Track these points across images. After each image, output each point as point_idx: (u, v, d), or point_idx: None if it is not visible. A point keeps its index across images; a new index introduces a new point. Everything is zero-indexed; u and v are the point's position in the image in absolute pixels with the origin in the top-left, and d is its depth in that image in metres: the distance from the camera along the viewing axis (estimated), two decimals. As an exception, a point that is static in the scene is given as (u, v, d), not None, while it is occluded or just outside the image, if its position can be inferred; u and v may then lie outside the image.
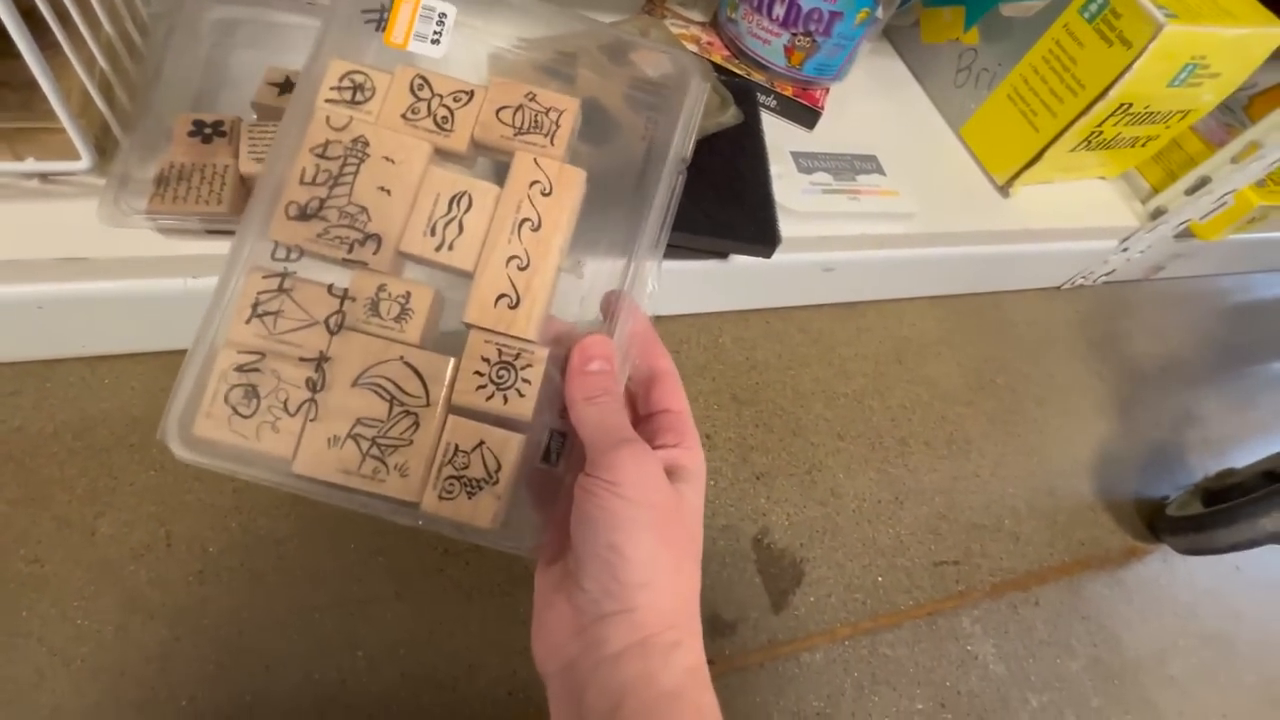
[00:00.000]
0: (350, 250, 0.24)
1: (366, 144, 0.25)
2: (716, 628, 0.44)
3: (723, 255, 0.47)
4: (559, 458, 0.25)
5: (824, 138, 0.55)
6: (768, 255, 0.45)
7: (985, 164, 0.60)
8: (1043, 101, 0.54)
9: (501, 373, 0.24)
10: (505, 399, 0.24)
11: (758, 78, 0.54)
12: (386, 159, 0.25)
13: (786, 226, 0.46)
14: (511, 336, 0.24)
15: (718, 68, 0.54)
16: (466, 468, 0.24)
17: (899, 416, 0.57)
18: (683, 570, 0.21)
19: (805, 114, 0.55)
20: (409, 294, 0.24)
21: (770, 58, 0.53)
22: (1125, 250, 0.67)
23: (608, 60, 0.41)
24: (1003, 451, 0.59)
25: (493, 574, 0.42)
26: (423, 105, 0.26)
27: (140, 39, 0.39)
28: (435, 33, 0.27)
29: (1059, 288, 0.72)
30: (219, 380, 0.23)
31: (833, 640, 0.46)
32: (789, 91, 0.54)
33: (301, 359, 0.24)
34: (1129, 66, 0.49)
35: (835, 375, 0.57)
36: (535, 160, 0.25)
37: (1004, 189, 0.59)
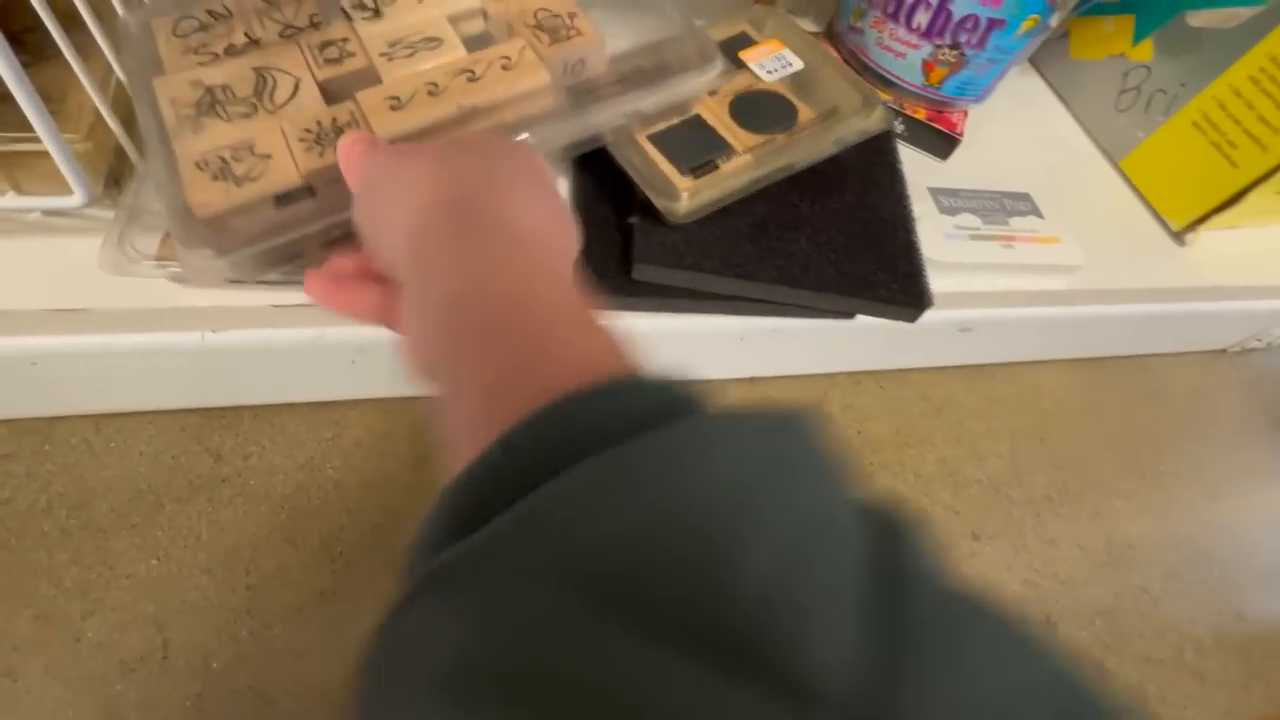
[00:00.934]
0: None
1: None
2: None
3: (849, 315, 0.37)
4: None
5: (964, 171, 0.45)
6: (913, 319, 0.35)
7: (1156, 205, 0.49)
8: (1247, 131, 0.44)
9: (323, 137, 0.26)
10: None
11: (884, 97, 0.45)
12: None
13: (931, 280, 0.37)
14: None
15: (835, 86, 0.45)
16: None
17: (1044, 510, 0.47)
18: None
19: (941, 141, 0.45)
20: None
21: (903, 74, 0.44)
22: (1316, 309, 0.55)
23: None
24: (1174, 561, 0.47)
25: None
26: None
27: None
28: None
29: (1224, 350, 0.60)
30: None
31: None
32: (921, 115, 0.45)
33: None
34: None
35: (965, 456, 0.47)
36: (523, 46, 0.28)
37: (1179, 235, 0.49)
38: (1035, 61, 0.57)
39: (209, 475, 0.36)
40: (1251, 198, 0.45)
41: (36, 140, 0.27)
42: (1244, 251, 0.50)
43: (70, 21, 0.28)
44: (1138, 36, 0.49)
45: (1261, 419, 0.57)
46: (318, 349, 0.34)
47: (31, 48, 0.30)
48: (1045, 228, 0.43)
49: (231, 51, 0.29)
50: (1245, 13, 0.43)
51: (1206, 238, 0.49)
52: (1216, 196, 0.46)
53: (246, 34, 0.30)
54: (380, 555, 0.35)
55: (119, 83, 0.30)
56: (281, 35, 0.30)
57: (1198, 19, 0.46)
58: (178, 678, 0.31)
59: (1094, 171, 0.51)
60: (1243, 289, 0.51)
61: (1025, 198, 0.44)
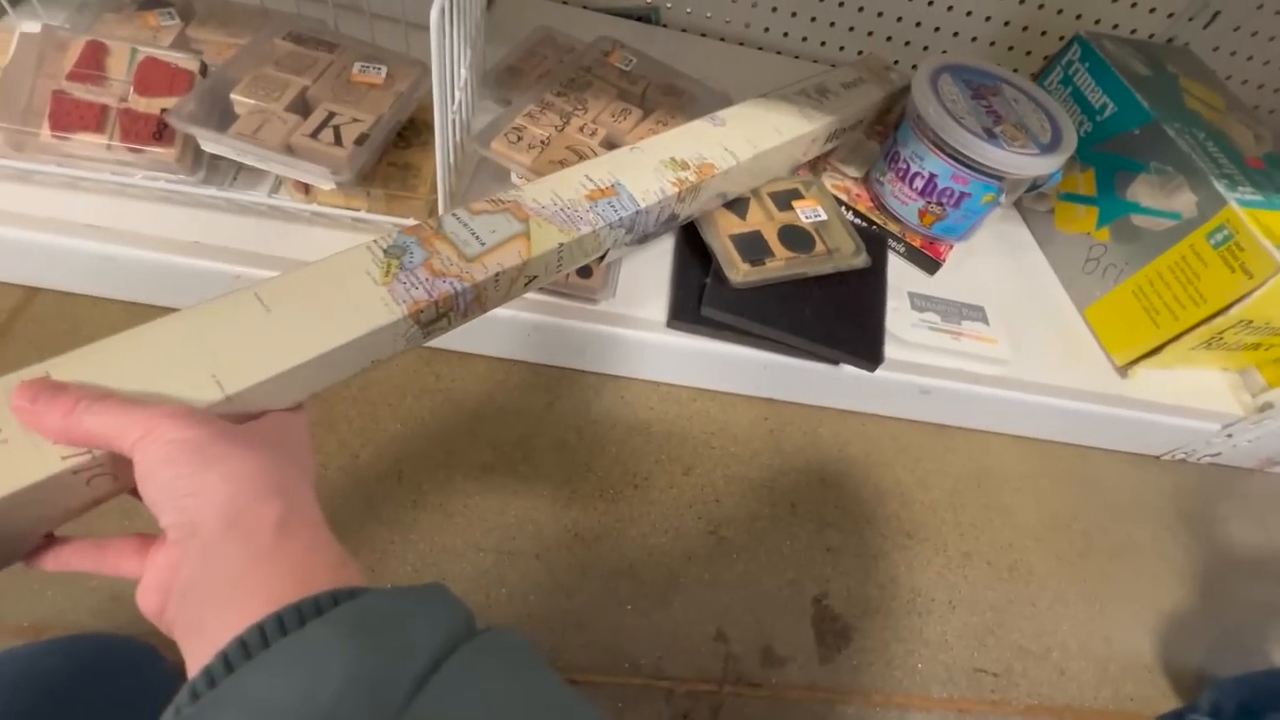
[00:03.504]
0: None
1: None
2: (769, 659, 0.53)
3: (834, 362, 0.58)
4: None
5: (941, 285, 0.66)
6: (871, 369, 0.56)
7: (1106, 345, 0.67)
8: (1166, 304, 0.61)
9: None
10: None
11: (892, 227, 0.67)
12: None
13: (891, 349, 0.58)
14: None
15: (860, 214, 0.67)
16: None
17: (967, 533, 0.64)
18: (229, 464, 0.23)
19: (928, 262, 0.66)
20: None
21: (905, 216, 0.65)
22: (1230, 436, 0.70)
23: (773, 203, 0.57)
24: (1064, 589, 0.63)
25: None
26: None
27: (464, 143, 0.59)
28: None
29: (1157, 457, 0.76)
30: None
31: (867, 703, 0.54)
32: (917, 243, 0.66)
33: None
34: (1250, 293, 0.55)
35: (915, 483, 0.66)
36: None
37: (1123, 370, 0.66)
38: (1029, 222, 0.77)
39: (431, 387, 0.60)
40: (1169, 350, 0.62)
41: (405, 190, 0.53)
42: (1177, 386, 0.67)
43: (425, 126, 0.54)
44: (1099, 224, 0.68)
45: (1173, 513, 0.72)
46: (514, 323, 0.58)
47: (406, 137, 0.57)
48: (988, 332, 0.62)
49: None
50: (1168, 223, 0.62)
51: (1145, 374, 0.66)
52: (1146, 346, 0.63)
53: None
54: (509, 438, 0.58)
55: (451, 163, 0.56)
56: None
57: (1139, 220, 0.65)
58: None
59: (1062, 311, 0.70)
60: (1159, 405, 0.67)
61: (979, 309, 0.64)
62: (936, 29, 0.85)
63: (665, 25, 0.85)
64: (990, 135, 0.58)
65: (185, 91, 0.50)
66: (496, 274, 0.36)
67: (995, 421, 0.70)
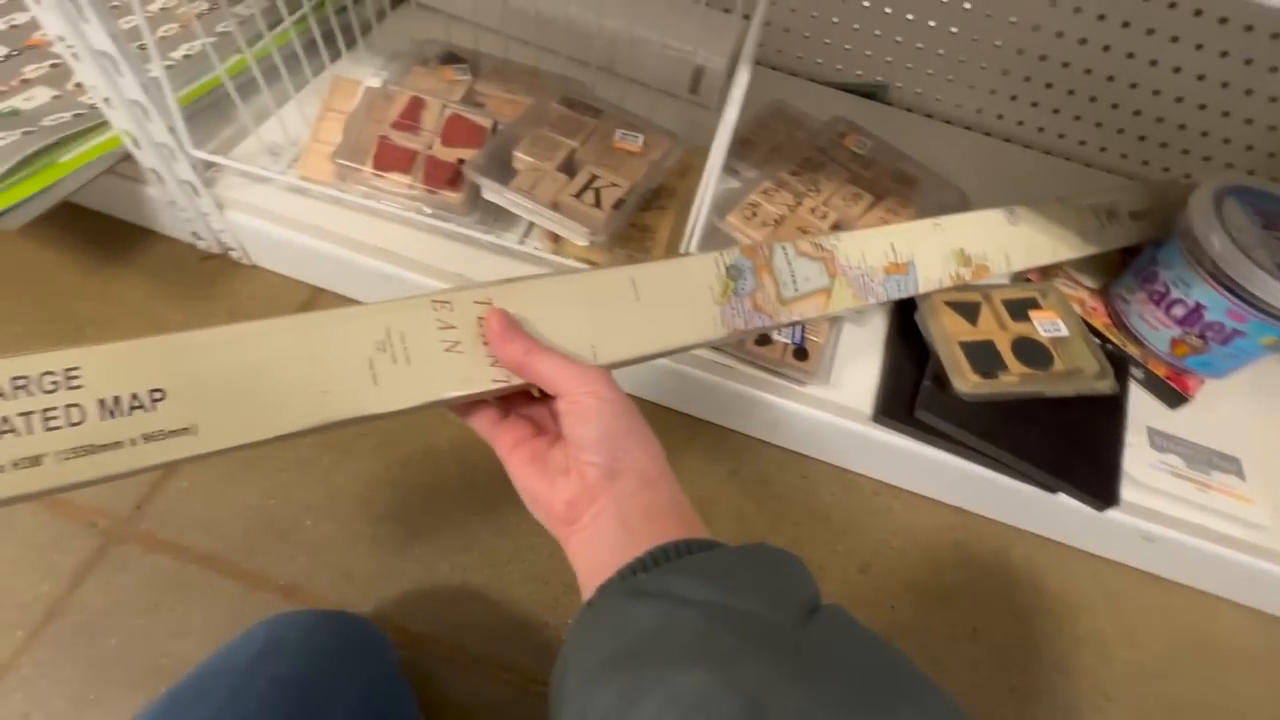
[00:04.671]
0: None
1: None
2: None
3: (1055, 490, 0.54)
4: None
5: (1187, 423, 0.59)
6: (1101, 510, 0.51)
7: None
8: None
9: None
10: None
11: (1132, 350, 0.61)
12: None
13: (1123, 488, 0.52)
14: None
15: (1095, 331, 0.62)
16: None
17: (1178, 709, 0.56)
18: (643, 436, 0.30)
19: (1171, 395, 0.59)
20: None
21: (1154, 343, 0.59)
22: None
23: (1007, 312, 0.54)
24: (1300, 811, 0.53)
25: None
26: None
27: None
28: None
29: None
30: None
31: None
32: (1161, 372, 0.60)
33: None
34: None
35: (1119, 635, 0.59)
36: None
37: None
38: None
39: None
40: None
41: (645, 252, 0.56)
42: None
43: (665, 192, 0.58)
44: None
45: None
46: (719, 389, 0.59)
47: (647, 201, 0.60)
48: (1244, 489, 0.55)
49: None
50: None
51: None
52: None
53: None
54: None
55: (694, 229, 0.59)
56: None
57: None
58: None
59: None
60: None
61: (1234, 461, 0.56)
62: (1204, 134, 0.77)
63: (891, 104, 0.85)
64: (1285, 274, 0.51)
65: (479, 144, 0.57)
66: (794, 322, 0.38)
67: (1229, 588, 0.61)
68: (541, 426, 0.32)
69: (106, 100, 0.50)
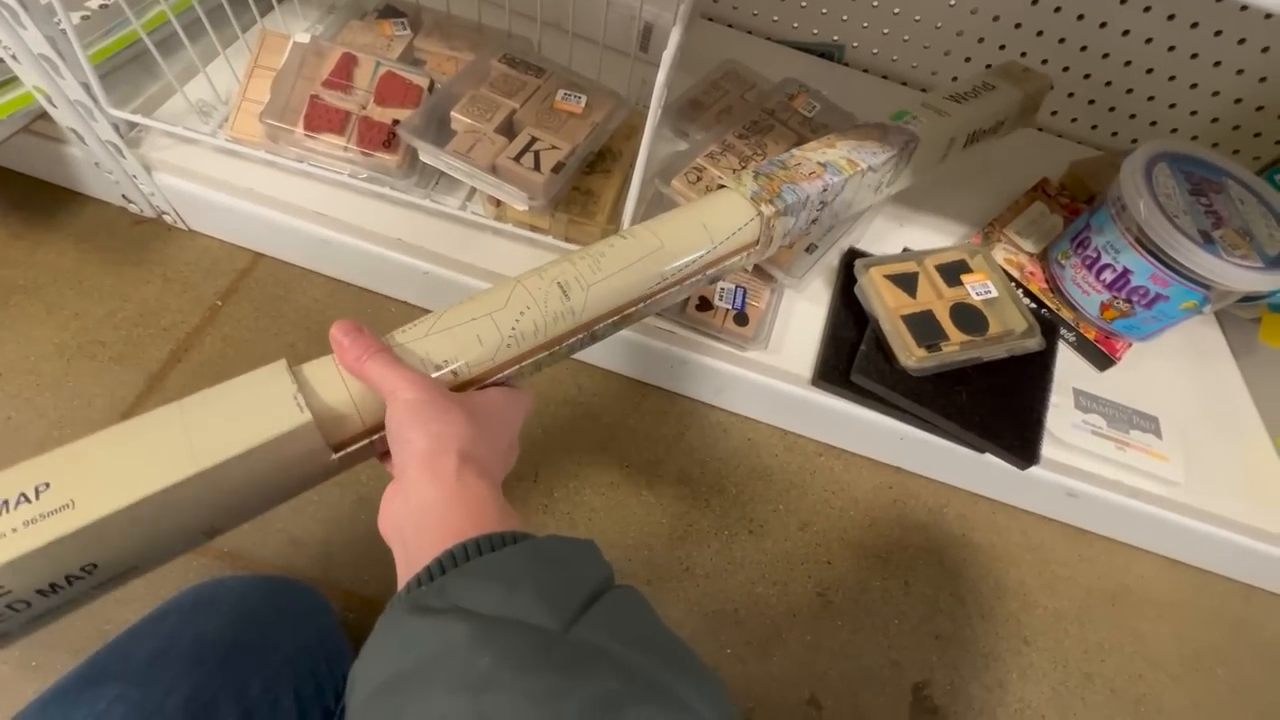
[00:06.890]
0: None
1: None
2: (858, 736, 0.53)
3: (981, 450, 0.56)
4: None
5: (1112, 385, 0.61)
6: (1022, 468, 0.53)
7: None
8: None
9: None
10: None
11: (1065, 314, 0.62)
12: None
13: (1046, 447, 0.55)
14: None
15: (1030, 295, 0.64)
16: None
17: (1092, 652, 0.60)
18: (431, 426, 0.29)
19: (1100, 358, 0.62)
20: None
21: (1084, 306, 0.61)
22: None
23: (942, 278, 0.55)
24: (1195, 739, 0.58)
25: (711, 602, 0.56)
26: None
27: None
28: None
29: (1337, 613, 0.67)
30: None
31: (953, 806, 0.52)
32: (1091, 335, 0.62)
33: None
34: None
35: (1041, 586, 0.62)
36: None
37: None
38: (1225, 327, 0.69)
39: (574, 398, 0.63)
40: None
41: (584, 217, 0.56)
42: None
43: (609, 155, 0.57)
44: (1313, 338, 0.61)
45: (1346, 683, 0.63)
46: (661, 354, 0.60)
47: (590, 164, 0.60)
48: (1160, 447, 0.57)
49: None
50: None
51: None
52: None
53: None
54: (638, 461, 0.61)
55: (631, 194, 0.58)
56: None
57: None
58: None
59: (1252, 435, 0.63)
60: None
61: (1153, 420, 0.59)
62: (1150, 98, 0.78)
63: (848, 64, 0.84)
64: (1206, 240, 0.53)
65: (415, 104, 0.55)
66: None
67: (1146, 539, 0.65)
68: None
69: (13, 55, 0.48)
